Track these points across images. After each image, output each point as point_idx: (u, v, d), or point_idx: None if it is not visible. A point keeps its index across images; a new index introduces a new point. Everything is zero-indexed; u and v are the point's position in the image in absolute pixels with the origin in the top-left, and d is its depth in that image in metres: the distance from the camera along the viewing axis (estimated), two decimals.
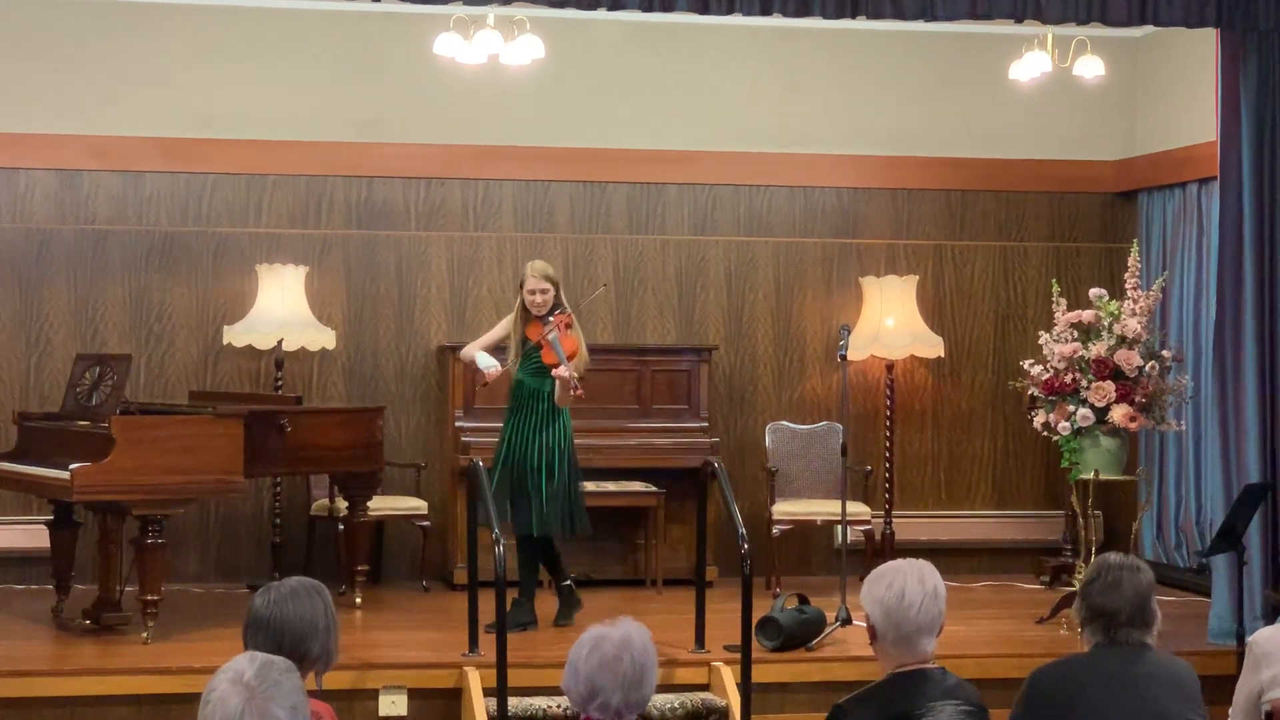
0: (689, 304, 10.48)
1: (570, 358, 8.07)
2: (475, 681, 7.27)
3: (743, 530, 7.55)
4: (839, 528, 9.35)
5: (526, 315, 8.29)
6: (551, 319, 8.18)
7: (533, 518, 8.21)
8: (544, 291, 8.24)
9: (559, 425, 8.28)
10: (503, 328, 8.46)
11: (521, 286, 8.31)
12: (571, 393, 8.07)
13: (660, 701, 7.24)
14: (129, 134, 9.91)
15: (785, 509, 9.89)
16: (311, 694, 3.18)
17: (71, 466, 7.77)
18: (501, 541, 7.38)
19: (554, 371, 8.13)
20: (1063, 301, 9.04)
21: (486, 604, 7.34)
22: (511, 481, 8.22)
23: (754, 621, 7.47)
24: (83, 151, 9.88)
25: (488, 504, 7.70)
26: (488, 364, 8.30)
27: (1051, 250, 10.87)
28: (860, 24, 8.77)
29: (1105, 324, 8.78)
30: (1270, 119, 8.25)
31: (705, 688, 7.54)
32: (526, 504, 8.22)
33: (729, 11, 7.76)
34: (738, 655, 7.33)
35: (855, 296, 10.55)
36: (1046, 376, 8.83)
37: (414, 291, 10.26)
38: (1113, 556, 4.66)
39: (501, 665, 7.05)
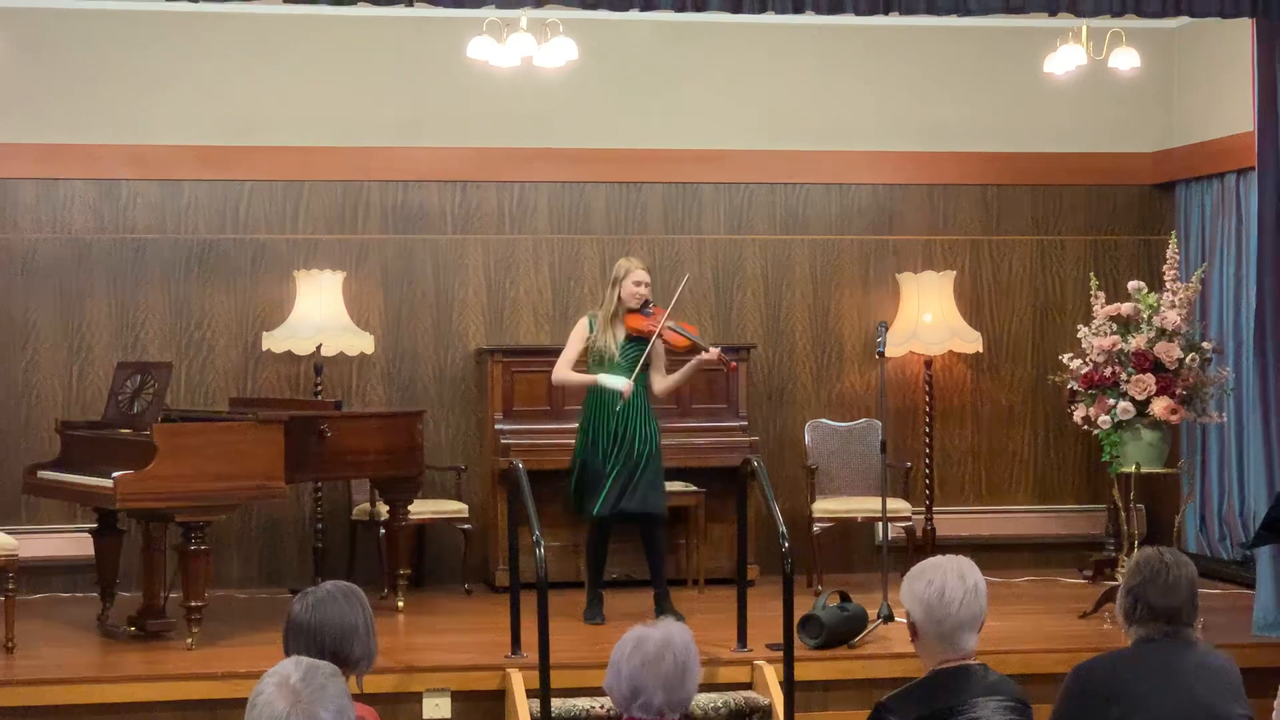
0: (726, 303, 10.47)
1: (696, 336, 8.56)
2: (519, 683, 7.28)
3: (783, 528, 7.54)
4: (879, 525, 9.32)
5: (614, 310, 8.41)
6: (651, 310, 8.47)
7: (655, 498, 8.44)
8: (649, 284, 8.52)
9: (653, 412, 8.52)
10: (582, 338, 8.52)
11: (616, 282, 8.44)
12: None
13: (703, 700, 7.25)
14: (166, 142, 9.94)
15: (825, 506, 9.88)
16: (355, 698, 3.19)
17: (114, 474, 7.81)
18: (543, 544, 7.38)
19: (704, 353, 8.42)
20: (1101, 295, 9.00)
21: (529, 606, 7.34)
22: (625, 470, 8.34)
23: (796, 619, 7.47)
24: (120, 161, 9.92)
25: (597, 495, 8.28)
26: (620, 385, 8.36)
27: (1089, 243, 10.83)
28: (894, 19, 8.75)
29: (1144, 316, 8.74)
30: None
31: (748, 686, 7.54)
32: (644, 488, 8.39)
33: (762, 10, 7.74)
34: (780, 653, 7.32)
35: (892, 293, 10.53)
36: (1086, 370, 8.80)
37: (451, 295, 10.28)
38: (1164, 554, 4.63)
39: (544, 667, 7.06)
